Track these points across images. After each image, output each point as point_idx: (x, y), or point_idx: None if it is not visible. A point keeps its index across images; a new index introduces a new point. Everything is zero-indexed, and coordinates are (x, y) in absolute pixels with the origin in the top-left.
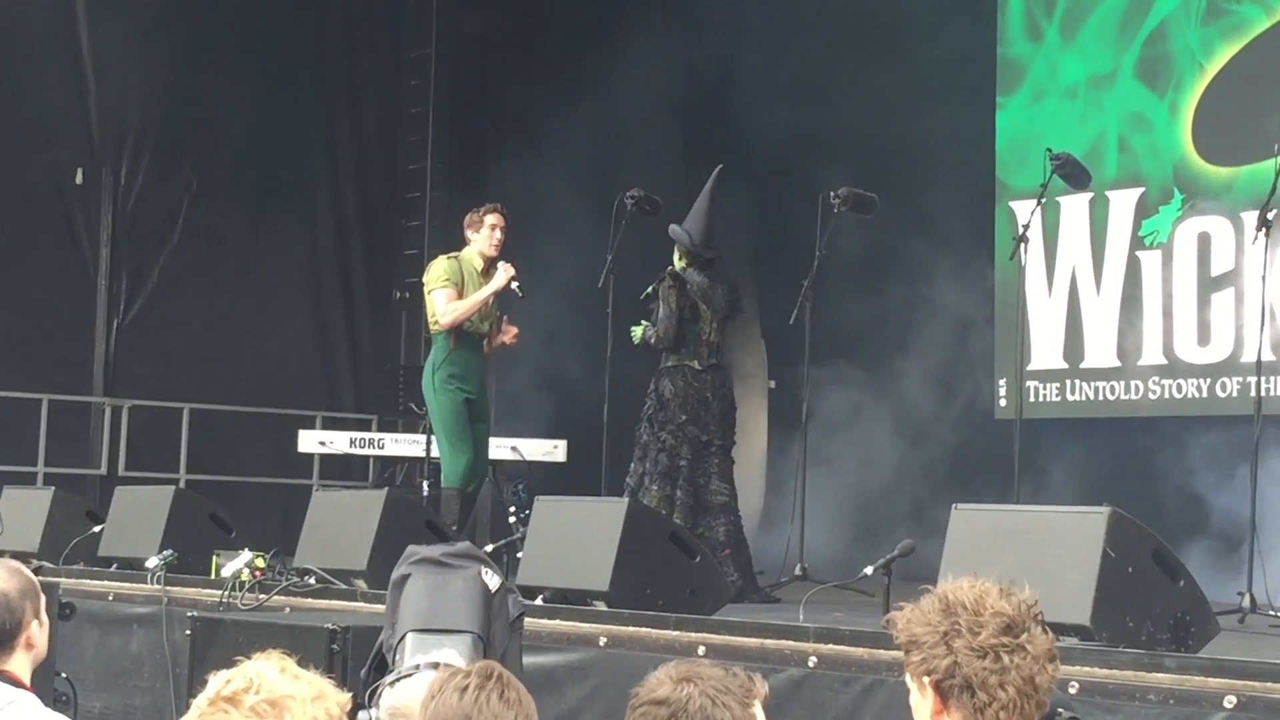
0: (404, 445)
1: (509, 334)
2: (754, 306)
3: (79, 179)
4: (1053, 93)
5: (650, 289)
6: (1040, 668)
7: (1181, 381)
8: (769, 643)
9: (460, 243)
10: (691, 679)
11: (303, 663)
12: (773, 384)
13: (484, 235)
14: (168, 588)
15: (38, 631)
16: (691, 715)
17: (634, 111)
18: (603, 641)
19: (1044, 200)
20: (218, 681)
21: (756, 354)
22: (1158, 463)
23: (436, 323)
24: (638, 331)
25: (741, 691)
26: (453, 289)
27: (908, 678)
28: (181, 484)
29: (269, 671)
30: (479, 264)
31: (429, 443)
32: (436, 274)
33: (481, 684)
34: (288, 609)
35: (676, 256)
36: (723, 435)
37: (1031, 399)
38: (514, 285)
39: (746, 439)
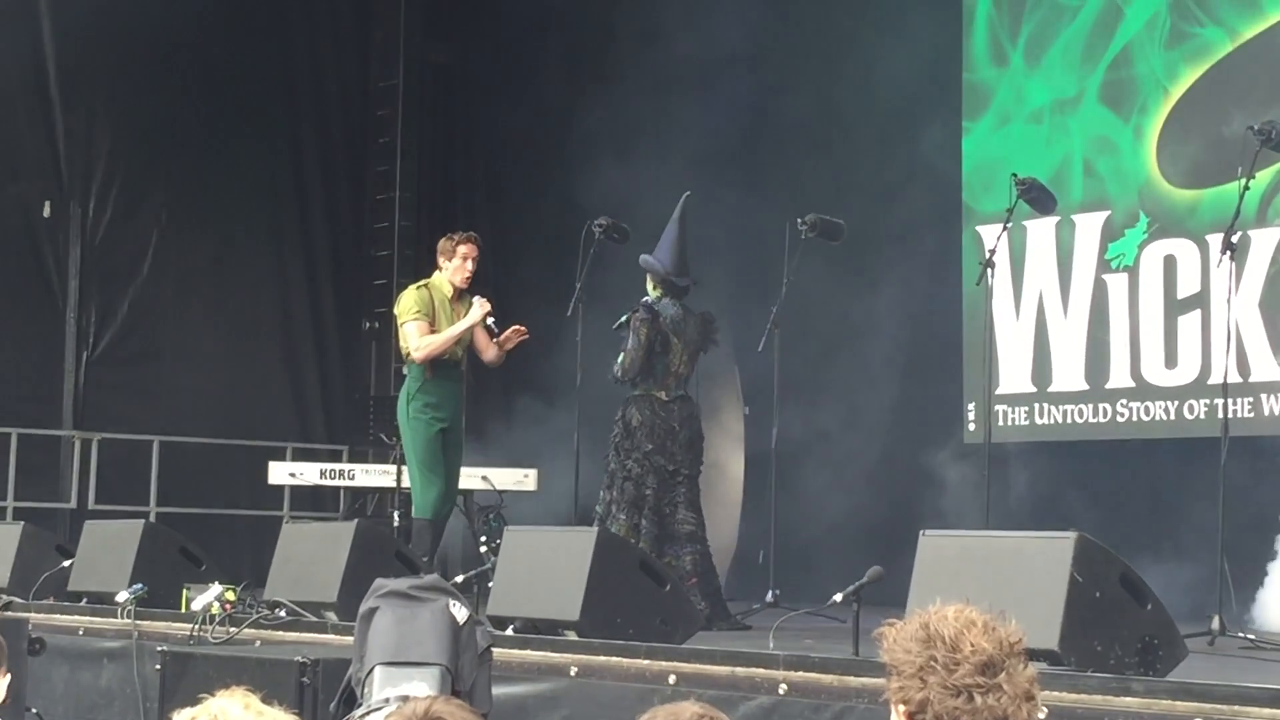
0: (374, 476)
1: (515, 335)
2: (727, 333)
3: (47, 212)
4: (1018, 117)
5: (624, 319)
6: (1016, 707)
7: (1149, 404)
8: (739, 670)
9: (430, 270)
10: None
11: (271, 696)
12: (747, 410)
13: (456, 265)
14: (138, 622)
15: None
16: None
17: (601, 139)
18: (573, 671)
19: (1010, 224)
20: (182, 718)
21: (730, 381)
22: (1126, 485)
23: (409, 355)
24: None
25: None
26: (424, 321)
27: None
28: (152, 517)
29: (233, 708)
30: (449, 291)
31: (399, 473)
32: (407, 306)
33: None
34: (258, 642)
35: (650, 286)
36: (689, 465)
37: (1000, 423)
38: (489, 322)
39: (722, 466)
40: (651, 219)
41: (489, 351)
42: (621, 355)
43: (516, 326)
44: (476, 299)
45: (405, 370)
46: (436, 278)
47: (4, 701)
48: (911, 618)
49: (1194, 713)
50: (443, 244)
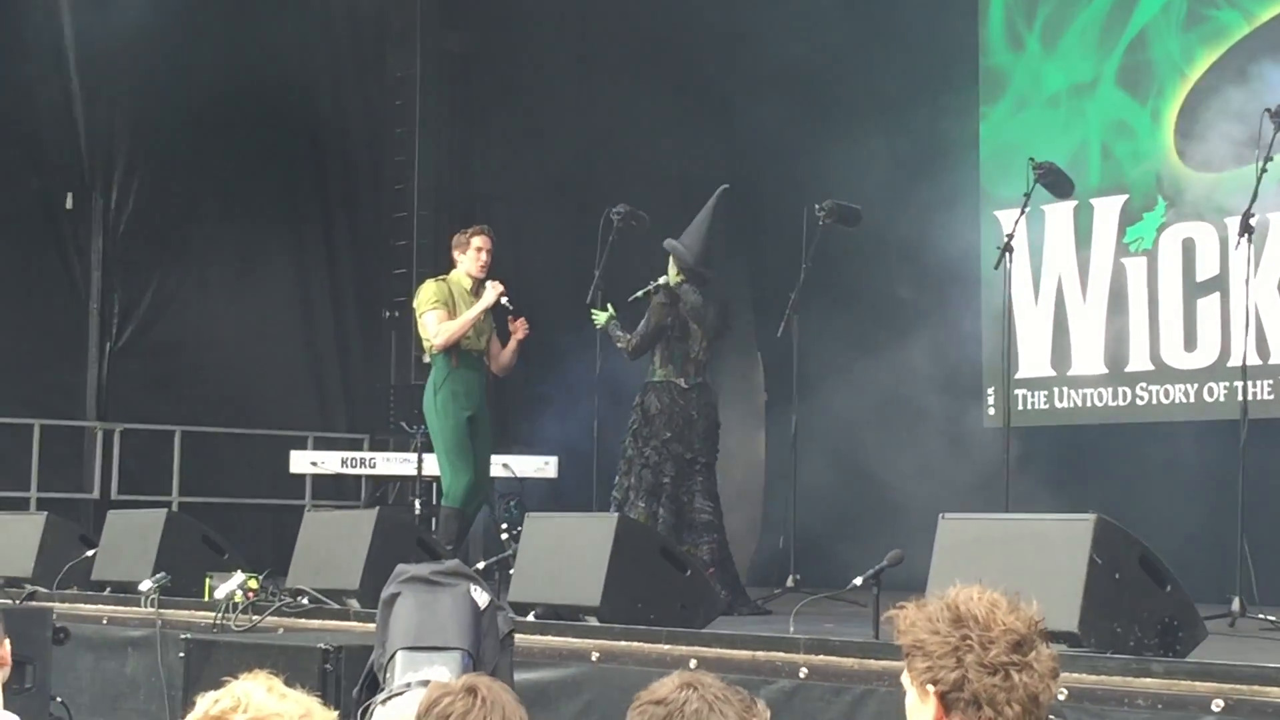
0: (395, 464)
1: (519, 330)
2: (749, 319)
3: (69, 204)
4: (1035, 102)
5: (640, 294)
6: (1044, 686)
7: (1169, 387)
8: (760, 654)
9: (448, 260)
10: (694, 685)
11: (294, 683)
12: (765, 396)
13: (470, 256)
14: (161, 610)
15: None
16: (686, 716)
17: (621, 127)
18: (595, 656)
19: (1028, 209)
20: (205, 702)
21: (752, 366)
22: (1146, 468)
23: (430, 344)
24: (601, 317)
25: (741, 705)
26: (443, 310)
27: (905, 679)
28: (174, 507)
29: (256, 691)
30: (467, 284)
31: (420, 461)
32: (426, 296)
33: (451, 701)
34: (281, 630)
35: (673, 271)
36: (706, 453)
37: (1020, 407)
38: (503, 301)
39: (744, 451)
40: (668, 206)
41: (499, 360)
42: (610, 316)
43: (520, 320)
44: (489, 283)
45: (429, 360)
46: (455, 273)
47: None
48: (930, 599)
49: (1214, 693)
50: (456, 238)
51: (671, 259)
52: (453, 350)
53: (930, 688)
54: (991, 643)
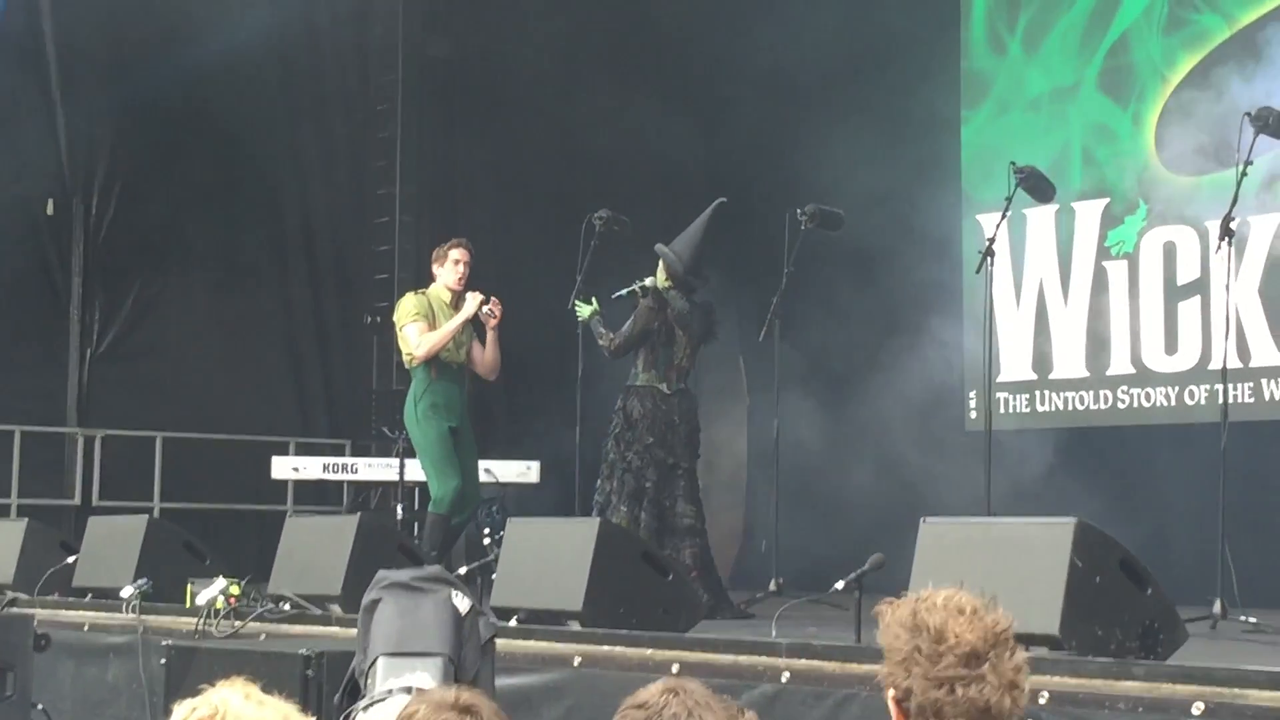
0: (377, 470)
1: (494, 314)
2: (731, 323)
3: (50, 210)
4: (1017, 106)
5: (625, 292)
6: (1000, 696)
7: (1150, 390)
8: (742, 659)
9: (429, 267)
10: (677, 691)
11: (274, 688)
12: (748, 400)
13: (448, 269)
14: (143, 617)
15: None
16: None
17: (603, 132)
18: (577, 661)
19: (1009, 213)
20: (183, 709)
21: (734, 371)
22: (1127, 471)
23: (411, 357)
24: (585, 311)
25: (726, 714)
26: (423, 322)
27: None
28: (155, 513)
29: (234, 698)
30: (447, 297)
31: (402, 466)
32: (406, 309)
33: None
34: (263, 635)
35: (661, 276)
36: (688, 458)
37: (1001, 410)
38: (484, 310)
39: (726, 456)
40: (651, 211)
41: (483, 360)
42: (594, 311)
43: (493, 303)
44: (469, 294)
45: (409, 371)
46: (433, 287)
47: None
48: (906, 601)
49: (1194, 696)
50: (435, 252)
51: (660, 264)
52: (432, 362)
53: (891, 690)
54: (940, 656)
